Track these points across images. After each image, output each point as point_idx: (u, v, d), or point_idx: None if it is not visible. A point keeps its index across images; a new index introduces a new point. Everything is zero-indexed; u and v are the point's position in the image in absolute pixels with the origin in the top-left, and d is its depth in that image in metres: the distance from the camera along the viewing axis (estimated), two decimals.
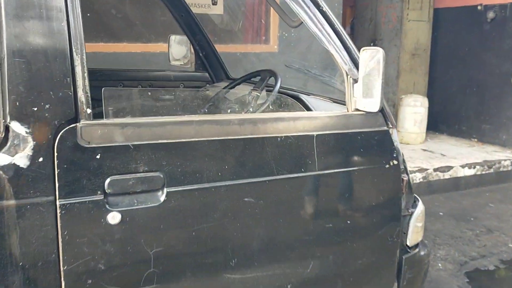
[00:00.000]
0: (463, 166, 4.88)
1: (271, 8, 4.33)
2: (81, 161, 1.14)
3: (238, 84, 2.19)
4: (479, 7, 5.83)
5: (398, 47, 6.24)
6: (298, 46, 4.66)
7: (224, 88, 2.17)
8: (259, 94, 1.81)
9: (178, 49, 2.70)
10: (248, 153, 1.36)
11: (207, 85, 2.68)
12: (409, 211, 1.71)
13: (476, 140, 5.99)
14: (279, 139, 1.40)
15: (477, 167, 4.95)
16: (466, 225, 3.85)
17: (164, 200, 1.24)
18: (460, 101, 6.15)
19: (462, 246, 3.44)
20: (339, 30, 1.51)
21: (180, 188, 1.26)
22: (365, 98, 1.50)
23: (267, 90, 2.02)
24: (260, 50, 4.67)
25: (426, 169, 4.71)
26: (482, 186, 4.88)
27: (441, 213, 4.12)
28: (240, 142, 1.35)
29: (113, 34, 4.08)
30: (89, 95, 1.17)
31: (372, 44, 6.46)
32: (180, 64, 2.72)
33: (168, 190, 1.25)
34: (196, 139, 1.28)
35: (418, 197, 1.81)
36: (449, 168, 4.81)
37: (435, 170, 4.74)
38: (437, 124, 6.35)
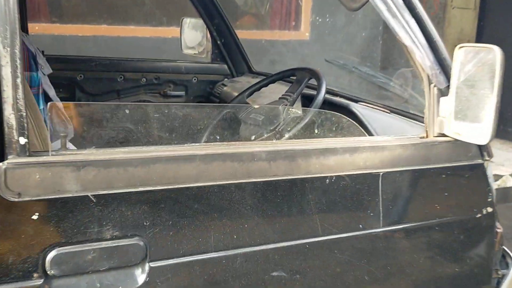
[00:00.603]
0: None
1: None
2: (4, 226, 0.75)
3: (265, 85, 1.72)
4: None
5: (439, 36, 5.77)
6: (333, 34, 4.15)
7: (248, 89, 1.72)
8: (297, 111, 1.32)
9: (192, 35, 2.33)
10: (279, 203, 0.94)
11: (226, 79, 2.32)
12: (499, 273, 1.31)
13: None
14: (327, 180, 0.97)
15: None
16: None
17: (146, 281, 0.85)
18: (506, 100, 5.59)
19: None
20: (423, 16, 1.05)
21: (170, 262, 0.87)
22: (461, 120, 1.02)
23: (303, 95, 1.54)
24: (289, 37, 4.21)
25: None
26: None
27: None
28: (269, 187, 0.93)
29: (118, 15, 3.70)
30: (23, 114, 0.74)
31: None
32: (194, 53, 2.38)
33: (152, 266, 0.86)
34: (200, 184, 0.87)
35: (509, 252, 1.34)
36: (498, 177, 4.33)
37: None
38: None
